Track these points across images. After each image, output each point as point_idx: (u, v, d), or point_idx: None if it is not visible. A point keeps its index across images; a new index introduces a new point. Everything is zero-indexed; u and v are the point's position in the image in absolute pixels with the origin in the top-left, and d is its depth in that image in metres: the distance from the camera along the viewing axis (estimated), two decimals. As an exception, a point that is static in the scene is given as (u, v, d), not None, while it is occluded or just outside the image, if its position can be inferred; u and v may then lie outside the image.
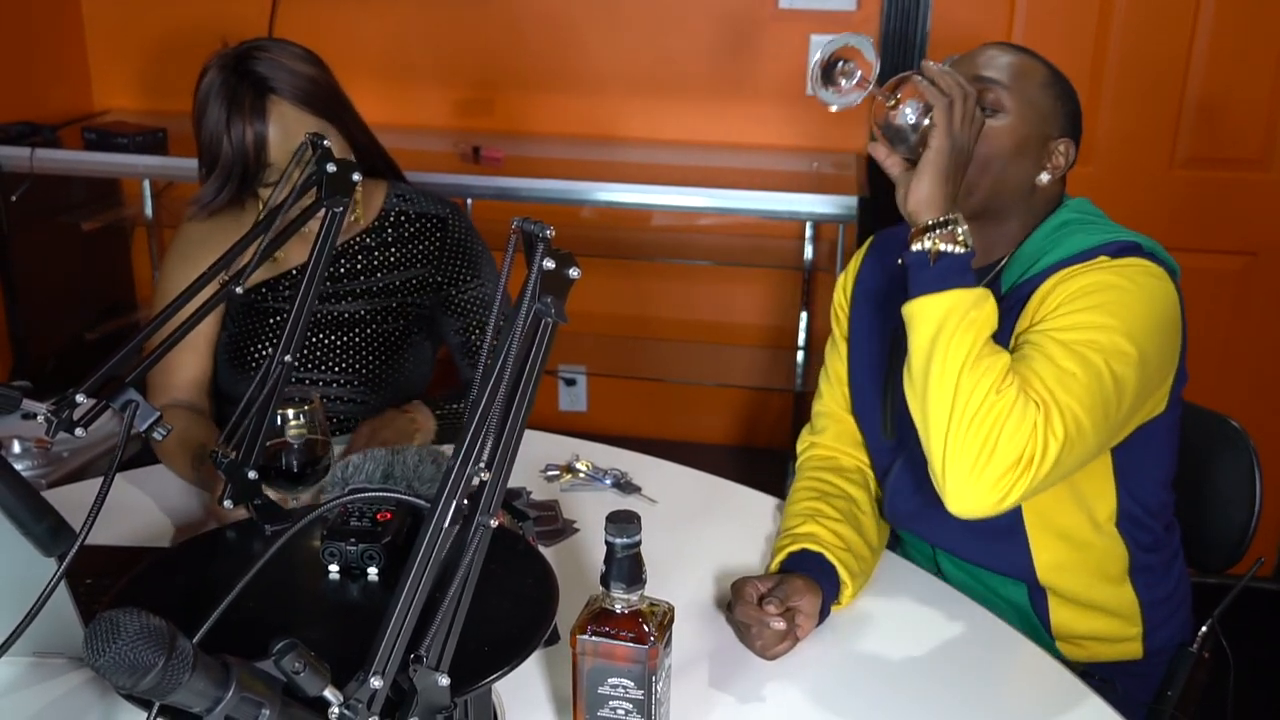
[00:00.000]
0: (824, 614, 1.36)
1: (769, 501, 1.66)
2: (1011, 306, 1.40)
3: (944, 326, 1.26)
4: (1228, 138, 2.87)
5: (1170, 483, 1.54)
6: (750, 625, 1.31)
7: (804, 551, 1.41)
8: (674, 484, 1.72)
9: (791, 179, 2.85)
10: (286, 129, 1.70)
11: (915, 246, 1.29)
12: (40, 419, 1.10)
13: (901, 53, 2.94)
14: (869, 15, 2.95)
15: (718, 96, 3.09)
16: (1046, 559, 1.47)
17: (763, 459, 3.14)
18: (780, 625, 1.28)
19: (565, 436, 1.83)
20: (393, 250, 1.89)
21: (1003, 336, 1.34)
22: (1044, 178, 1.44)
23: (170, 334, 1.18)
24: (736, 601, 1.33)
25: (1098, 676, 1.44)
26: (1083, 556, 1.48)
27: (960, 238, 1.28)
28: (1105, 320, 1.30)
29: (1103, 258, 1.36)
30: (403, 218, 1.90)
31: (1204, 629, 1.53)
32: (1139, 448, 1.44)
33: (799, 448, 1.66)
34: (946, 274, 1.27)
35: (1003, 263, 1.47)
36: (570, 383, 3.40)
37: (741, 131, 3.08)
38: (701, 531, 1.59)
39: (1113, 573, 1.50)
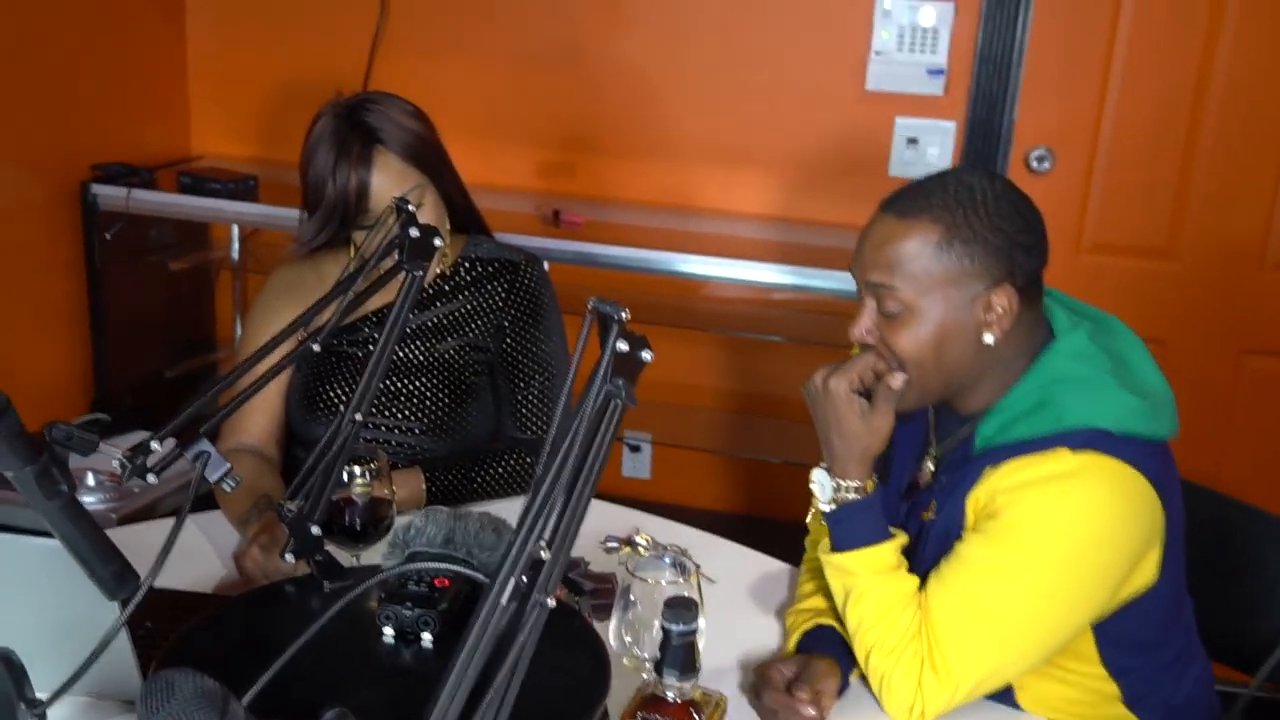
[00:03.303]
0: (843, 689, 1.34)
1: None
2: (975, 468, 1.35)
3: (851, 588, 1.34)
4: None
5: (1174, 620, 1.46)
6: (779, 711, 1.28)
7: (819, 628, 1.40)
8: (733, 564, 1.70)
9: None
10: (389, 179, 1.75)
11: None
12: (115, 464, 1.13)
13: (985, 140, 2.93)
14: (955, 100, 2.95)
15: (798, 173, 3.10)
16: (1028, 697, 1.41)
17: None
18: (811, 713, 1.26)
19: (626, 508, 1.82)
20: (464, 294, 1.91)
21: (956, 502, 1.36)
22: (989, 338, 1.33)
23: (246, 387, 1.20)
24: (763, 688, 1.31)
25: None
26: (1068, 693, 1.42)
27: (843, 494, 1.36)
28: (1034, 558, 1.29)
29: (1063, 450, 1.29)
30: (477, 264, 1.93)
31: None
32: (1124, 616, 1.38)
33: (809, 520, 1.62)
34: (853, 532, 1.35)
35: (980, 416, 1.39)
36: (635, 449, 3.39)
37: (820, 209, 3.08)
38: (758, 617, 1.57)
39: (1106, 705, 1.44)
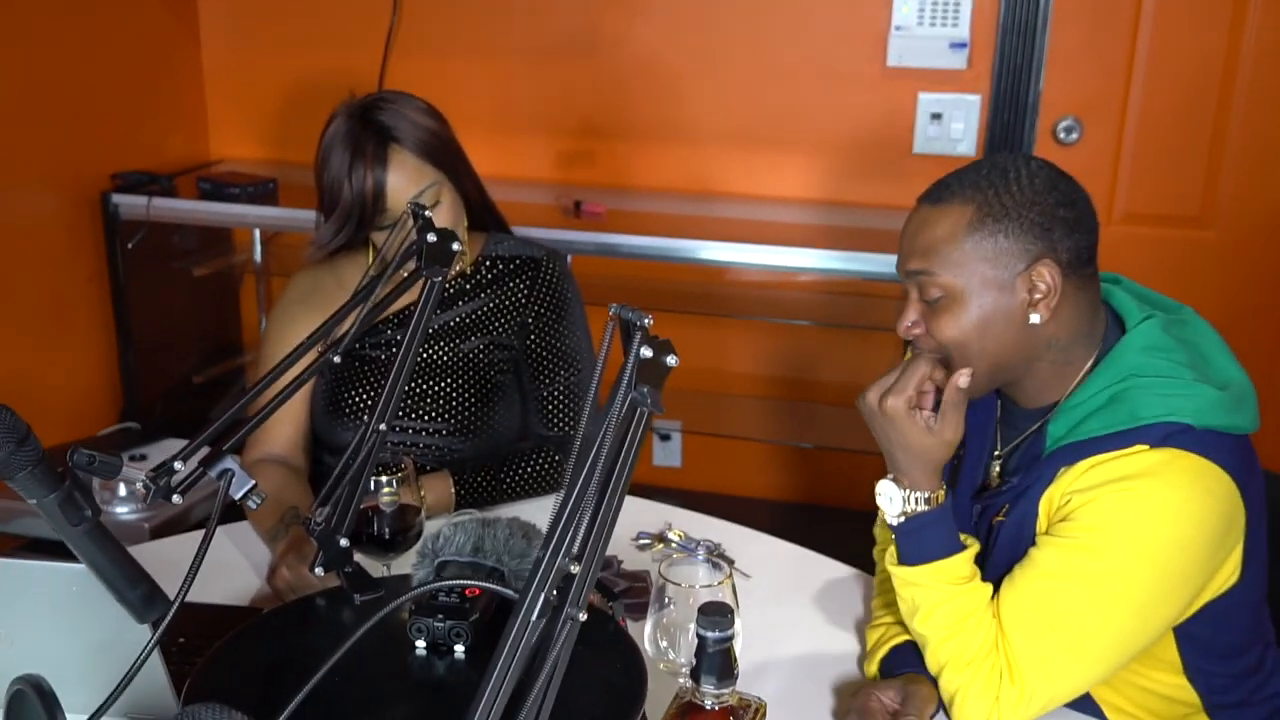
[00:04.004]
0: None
1: (863, 579, 1.61)
2: (1049, 468, 1.30)
3: (920, 603, 1.30)
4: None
5: (1258, 623, 1.41)
6: None
7: (905, 644, 1.35)
8: (767, 557, 1.68)
9: (893, 239, 2.79)
10: (406, 177, 1.73)
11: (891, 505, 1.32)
12: (139, 486, 1.12)
13: (1011, 112, 2.88)
14: (979, 73, 2.89)
15: (822, 153, 3.06)
16: (1111, 703, 1.37)
17: (859, 522, 3.07)
18: None
19: (658, 504, 1.80)
20: (486, 293, 1.89)
21: (1029, 504, 1.31)
22: (1035, 318, 1.28)
23: (268, 401, 1.19)
24: (863, 717, 1.25)
25: None
26: (1150, 702, 1.38)
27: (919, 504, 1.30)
28: (1113, 563, 1.23)
29: (1141, 447, 1.24)
30: (499, 262, 1.91)
31: None
32: (1207, 619, 1.32)
33: (876, 529, 1.59)
34: (923, 545, 1.29)
35: (1051, 412, 1.35)
36: (665, 438, 3.37)
37: (845, 189, 3.04)
38: (795, 612, 1.55)
39: (1188, 714, 1.39)
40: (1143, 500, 1.23)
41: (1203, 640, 1.34)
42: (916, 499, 1.30)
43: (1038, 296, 1.28)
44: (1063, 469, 1.29)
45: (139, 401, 3.16)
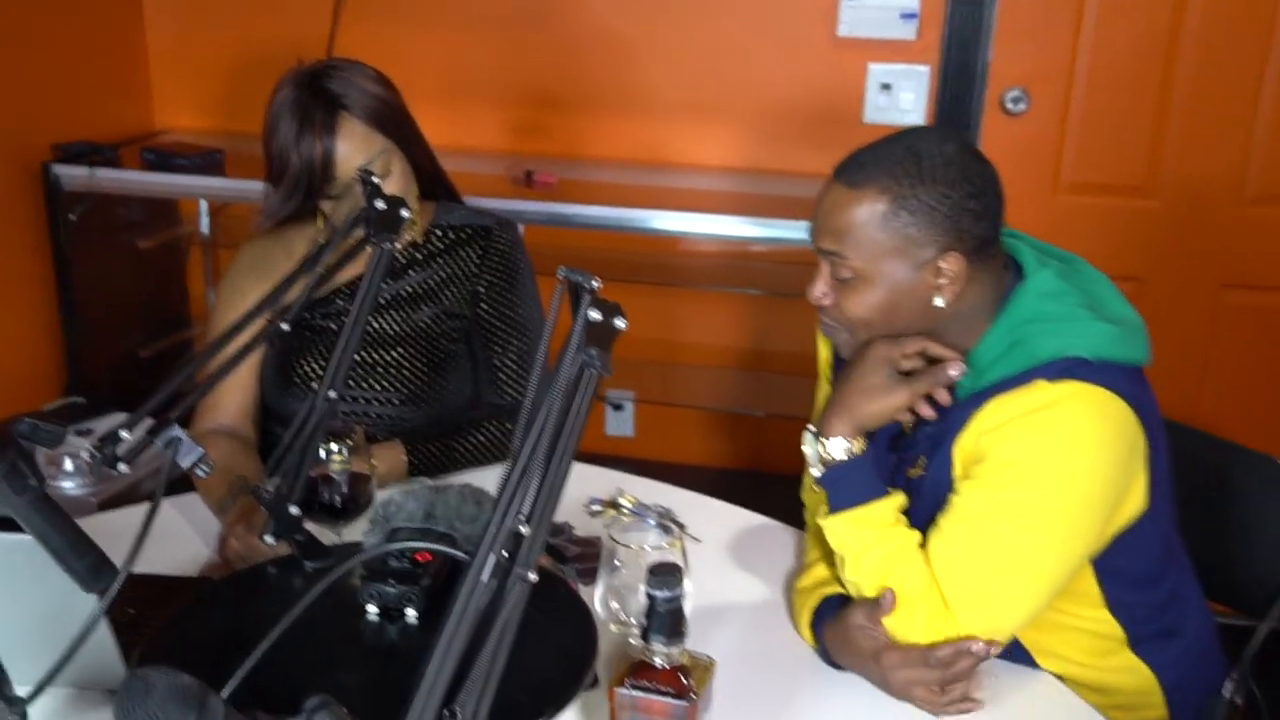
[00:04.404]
0: None
1: (815, 544, 1.63)
2: (958, 417, 1.36)
3: (848, 551, 1.35)
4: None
5: (1169, 552, 1.48)
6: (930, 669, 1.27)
7: (829, 599, 1.39)
8: (718, 522, 1.69)
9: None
10: (354, 145, 1.72)
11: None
12: (85, 454, 1.11)
13: (960, 83, 2.90)
14: (929, 44, 2.91)
15: (772, 124, 3.07)
16: (1040, 647, 1.42)
17: (811, 490, 3.10)
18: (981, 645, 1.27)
19: (610, 470, 1.81)
20: (437, 262, 1.88)
21: (944, 455, 1.36)
22: (940, 301, 1.35)
23: (216, 369, 1.18)
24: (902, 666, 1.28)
25: None
26: (1077, 640, 1.44)
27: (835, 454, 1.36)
28: (1027, 494, 1.30)
29: (1041, 382, 1.31)
30: (450, 231, 1.90)
31: (1234, 676, 1.48)
32: (1121, 548, 1.39)
33: (803, 493, 1.62)
34: (846, 492, 1.35)
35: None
36: (618, 408, 3.38)
37: (795, 160, 3.05)
38: (745, 576, 1.56)
39: (1113, 649, 1.45)
40: (1047, 431, 1.29)
41: (1119, 571, 1.41)
42: (838, 446, 1.36)
43: (943, 282, 1.34)
44: (972, 414, 1.34)
45: (84, 376, 3.12)
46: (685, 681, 1.06)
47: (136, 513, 1.75)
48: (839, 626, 1.34)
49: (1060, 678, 1.41)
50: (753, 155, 3.10)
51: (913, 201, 1.31)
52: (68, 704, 1.25)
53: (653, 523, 1.68)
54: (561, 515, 1.65)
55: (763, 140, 3.09)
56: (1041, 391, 1.30)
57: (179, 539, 1.61)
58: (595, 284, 0.93)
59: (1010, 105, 2.92)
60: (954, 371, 1.35)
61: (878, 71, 2.96)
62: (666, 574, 1.05)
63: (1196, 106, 2.82)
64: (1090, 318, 1.34)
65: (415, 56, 3.16)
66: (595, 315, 0.93)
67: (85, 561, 1.04)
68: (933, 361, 1.38)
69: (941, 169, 1.32)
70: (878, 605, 1.30)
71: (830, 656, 1.36)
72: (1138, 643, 1.45)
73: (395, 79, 1.84)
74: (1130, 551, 1.39)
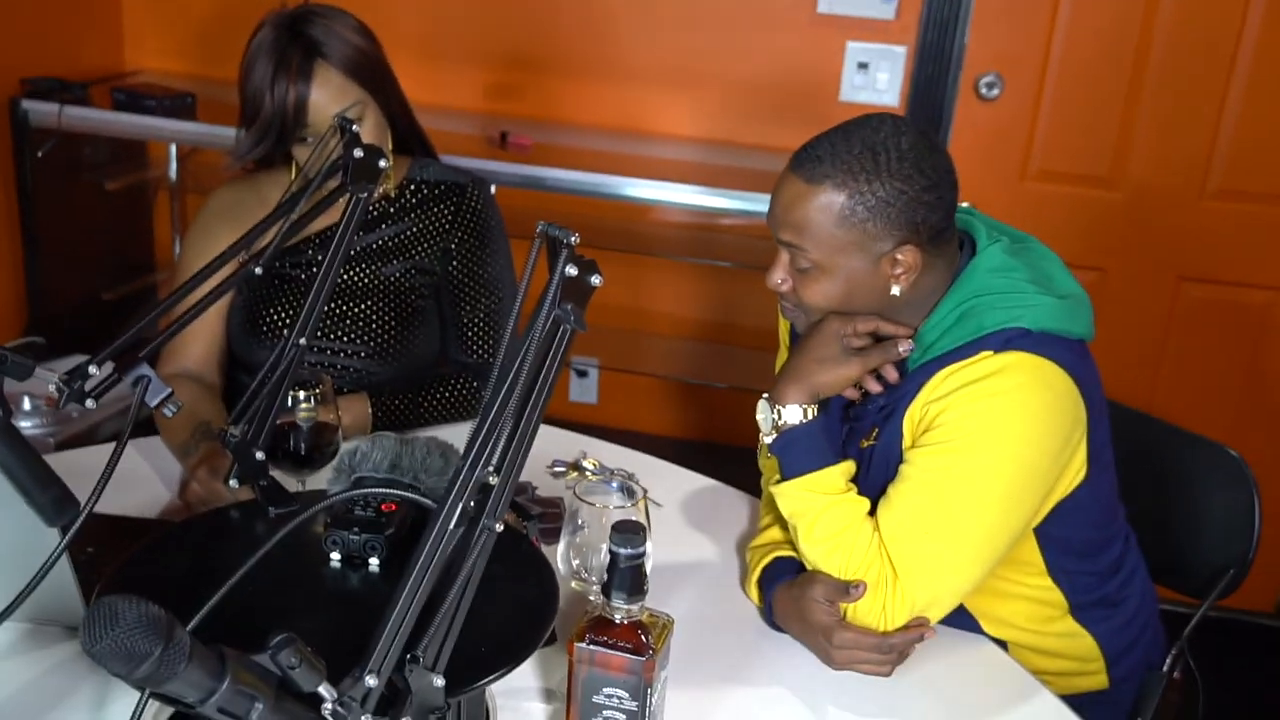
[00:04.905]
0: None
1: (774, 513, 1.66)
2: (908, 391, 1.40)
3: (799, 518, 1.37)
4: (1261, 170, 2.85)
5: (1110, 523, 1.53)
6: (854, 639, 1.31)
7: (778, 560, 1.42)
8: (680, 488, 1.72)
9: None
10: (329, 94, 1.71)
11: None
12: (52, 388, 1.10)
13: (935, 64, 2.92)
14: (907, 25, 2.93)
15: (749, 97, 3.07)
16: (986, 613, 1.47)
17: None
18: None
19: (574, 433, 1.83)
20: (410, 217, 1.88)
21: (895, 425, 1.40)
22: (896, 290, 1.38)
23: (185, 310, 1.18)
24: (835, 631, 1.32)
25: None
26: (1020, 607, 1.48)
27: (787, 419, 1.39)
28: (970, 461, 1.33)
29: (986, 353, 1.34)
30: (423, 186, 1.90)
31: (1174, 652, 1.53)
32: (1061, 517, 1.43)
33: (760, 461, 1.64)
34: (797, 459, 1.38)
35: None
36: (582, 374, 3.39)
37: (770, 134, 3.06)
38: (705, 541, 1.59)
39: (1055, 615, 1.49)
40: (991, 400, 1.33)
41: (1061, 539, 1.45)
42: (791, 412, 1.38)
43: (899, 272, 1.37)
44: (921, 384, 1.38)
45: (46, 316, 3.08)
46: (644, 638, 1.08)
47: (96, 452, 1.75)
48: (792, 593, 1.36)
49: (1005, 643, 1.45)
50: (727, 127, 3.11)
51: (870, 198, 1.33)
52: (24, 638, 1.25)
53: (616, 485, 1.69)
54: (525, 475, 1.66)
55: (738, 113, 3.09)
56: (986, 361, 1.34)
57: (140, 481, 1.60)
58: (574, 239, 0.94)
59: (984, 90, 2.94)
60: (903, 348, 1.38)
61: (855, 50, 2.97)
62: (630, 531, 1.07)
63: (1165, 98, 2.85)
64: (1036, 291, 1.37)
65: (395, 10, 3.13)
66: (572, 270, 0.94)
67: (49, 495, 1.04)
68: (883, 338, 1.41)
69: (897, 164, 1.33)
70: (840, 587, 1.32)
71: (773, 618, 1.38)
72: (1079, 609, 1.49)
73: (374, 28, 1.83)
74: (1070, 520, 1.43)
